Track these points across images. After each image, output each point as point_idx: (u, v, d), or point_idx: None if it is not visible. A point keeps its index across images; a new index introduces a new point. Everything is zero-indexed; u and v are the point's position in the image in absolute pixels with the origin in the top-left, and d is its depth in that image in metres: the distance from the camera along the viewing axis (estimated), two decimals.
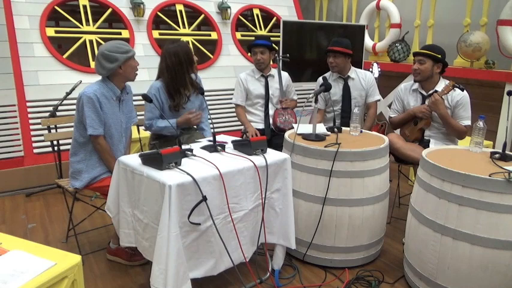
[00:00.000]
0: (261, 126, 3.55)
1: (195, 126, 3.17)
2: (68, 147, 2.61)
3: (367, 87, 3.46)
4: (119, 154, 2.52)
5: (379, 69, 4.41)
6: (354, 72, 3.46)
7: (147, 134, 3.25)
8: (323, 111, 3.54)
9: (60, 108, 3.45)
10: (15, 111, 3.80)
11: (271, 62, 3.59)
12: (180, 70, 2.78)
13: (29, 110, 3.79)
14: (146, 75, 4.36)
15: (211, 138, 2.37)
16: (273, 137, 3.47)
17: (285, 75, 3.66)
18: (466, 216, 2.00)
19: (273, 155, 2.27)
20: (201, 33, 5.06)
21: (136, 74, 2.52)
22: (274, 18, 5.51)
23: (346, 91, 3.42)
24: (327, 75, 3.51)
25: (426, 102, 2.98)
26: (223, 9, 5.08)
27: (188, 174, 1.90)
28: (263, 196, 2.19)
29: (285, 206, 2.31)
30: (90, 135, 2.41)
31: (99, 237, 2.93)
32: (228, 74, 4.90)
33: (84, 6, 4.39)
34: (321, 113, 3.53)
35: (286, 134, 2.72)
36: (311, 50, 4.55)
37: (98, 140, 2.44)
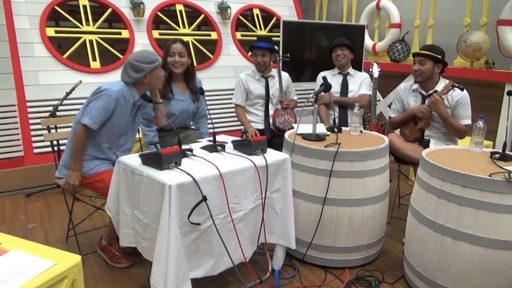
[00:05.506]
0: (261, 126, 3.55)
1: (192, 126, 3.18)
2: None
3: (361, 82, 3.69)
4: (113, 148, 2.54)
5: (379, 69, 4.40)
6: (352, 71, 3.71)
7: None
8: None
9: (60, 108, 3.43)
10: (15, 111, 3.80)
11: (271, 63, 3.59)
12: None
13: (29, 110, 3.79)
14: None
15: (211, 138, 2.38)
16: (273, 137, 3.47)
17: (285, 75, 3.66)
18: (466, 216, 2.00)
19: (273, 155, 2.27)
20: (201, 33, 5.06)
21: (163, 82, 2.58)
22: (274, 18, 5.51)
23: (344, 86, 3.63)
24: (326, 73, 3.63)
25: (426, 102, 2.98)
26: (223, 9, 5.07)
27: (188, 174, 1.90)
28: (263, 196, 2.19)
29: (285, 206, 2.31)
30: (83, 123, 2.34)
31: (99, 237, 2.92)
32: (228, 74, 4.89)
33: (84, 6, 4.38)
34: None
35: (286, 134, 2.72)
36: (311, 50, 4.54)
37: (83, 130, 2.36)
